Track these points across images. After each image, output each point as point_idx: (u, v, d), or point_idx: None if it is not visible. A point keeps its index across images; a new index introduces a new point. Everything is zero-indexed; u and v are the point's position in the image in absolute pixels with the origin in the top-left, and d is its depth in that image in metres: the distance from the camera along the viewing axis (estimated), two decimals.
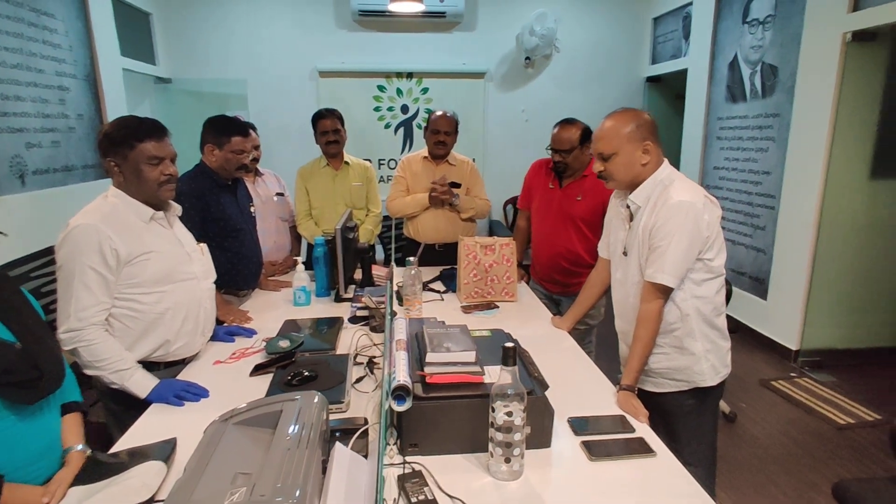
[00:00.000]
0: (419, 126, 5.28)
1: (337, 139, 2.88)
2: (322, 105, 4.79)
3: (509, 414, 1.13)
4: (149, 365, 1.60)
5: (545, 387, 1.33)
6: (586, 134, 2.39)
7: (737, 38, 4.04)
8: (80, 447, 1.21)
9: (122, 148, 1.54)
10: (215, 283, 1.88)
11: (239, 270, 2.27)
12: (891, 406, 2.96)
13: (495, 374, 1.21)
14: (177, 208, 1.74)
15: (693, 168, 4.65)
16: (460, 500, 1.09)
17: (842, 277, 3.42)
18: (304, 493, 0.84)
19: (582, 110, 5.32)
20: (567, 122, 2.40)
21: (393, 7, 3.23)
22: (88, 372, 1.50)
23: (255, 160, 2.77)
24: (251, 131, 2.71)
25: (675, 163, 4.77)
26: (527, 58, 5.18)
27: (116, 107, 4.00)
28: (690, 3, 4.59)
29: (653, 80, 5.37)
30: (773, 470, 2.45)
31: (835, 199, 3.31)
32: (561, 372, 1.66)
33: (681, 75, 4.81)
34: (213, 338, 1.89)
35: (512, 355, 1.14)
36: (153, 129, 1.59)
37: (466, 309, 2.26)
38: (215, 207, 2.15)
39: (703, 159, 4.53)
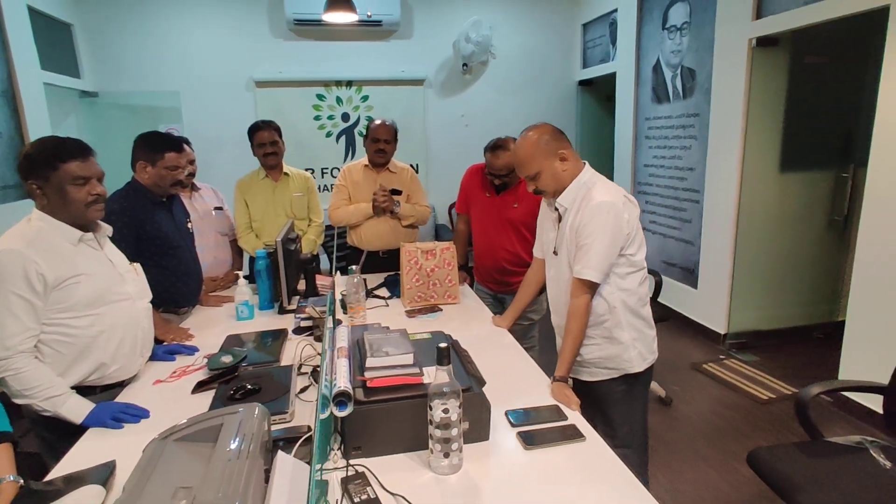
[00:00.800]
0: (361, 134, 5.30)
1: (275, 151, 2.87)
2: (260, 115, 4.75)
3: (446, 411, 1.19)
4: (84, 389, 1.57)
5: (482, 383, 1.40)
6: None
7: (658, 44, 4.29)
8: (11, 478, 1.18)
9: (45, 169, 1.50)
10: (153, 301, 1.85)
11: (178, 288, 2.23)
12: (806, 380, 3.23)
13: (437, 373, 1.28)
14: (107, 229, 1.71)
15: (625, 166, 4.88)
16: (402, 497, 1.14)
17: (760, 264, 3.70)
18: (244, 502, 0.87)
19: (519, 114, 5.51)
20: (499, 148, 2.44)
21: (327, 17, 3.24)
22: (18, 401, 1.46)
23: (191, 175, 2.72)
24: (185, 146, 2.67)
25: (609, 161, 5.06)
26: (464, 64, 5.30)
27: (38, 123, 3.82)
28: (615, 10, 4.83)
29: (585, 84, 5.60)
30: (701, 445, 2.63)
31: (750, 191, 3.57)
32: (500, 368, 1.75)
33: (610, 78, 5.05)
34: (153, 357, 1.86)
35: (446, 355, 1.20)
36: (77, 149, 1.55)
37: (410, 313, 2.32)
38: (150, 225, 2.11)
39: (633, 158, 4.77)
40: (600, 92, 5.59)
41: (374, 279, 2.78)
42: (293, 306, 2.37)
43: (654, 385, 3.09)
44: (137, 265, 1.79)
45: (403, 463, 1.28)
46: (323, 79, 5.10)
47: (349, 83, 5.18)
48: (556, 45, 5.55)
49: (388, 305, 2.46)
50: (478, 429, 1.35)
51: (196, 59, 4.83)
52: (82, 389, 1.56)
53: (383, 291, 2.63)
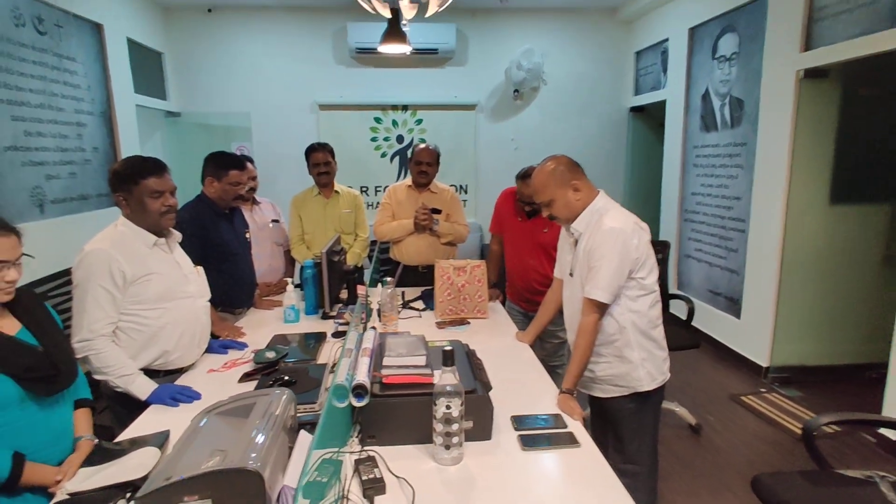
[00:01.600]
0: None
1: (328, 171, 3.14)
2: (321, 136, 5.11)
3: (448, 408, 1.34)
4: (150, 373, 1.82)
5: (488, 388, 1.54)
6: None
7: (708, 73, 4.31)
8: (88, 436, 1.43)
9: (129, 184, 1.79)
10: (212, 301, 2.12)
11: (234, 291, 2.50)
12: None
13: (447, 377, 1.43)
14: (177, 235, 1.98)
15: (673, 193, 4.88)
16: (404, 479, 1.29)
17: (808, 297, 3.61)
18: (265, 462, 1.05)
19: (569, 138, 5.62)
20: (528, 176, 2.58)
21: (382, 49, 3.51)
22: (97, 377, 1.73)
23: (252, 190, 3.03)
24: (248, 164, 2.99)
25: (657, 189, 5.04)
26: (515, 90, 5.48)
27: (129, 140, 4.31)
28: (667, 40, 4.88)
29: (636, 110, 5.64)
30: (728, 475, 2.61)
31: (797, 222, 3.51)
32: (515, 378, 1.88)
33: (661, 105, 5.07)
34: (209, 350, 2.12)
35: (450, 357, 1.36)
36: (155, 167, 1.83)
37: (440, 325, 2.48)
38: (214, 234, 2.40)
39: (681, 185, 4.76)
40: (652, 119, 5.61)
41: (412, 292, 2.96)
42: (334, 312, 2.59)
43: (683, 412, 3.08)
44: (200, 268, 2.06)
45: (411, 452, 1.43)
46: (380, 103, 5.42)
47: (405, 107, 5.47)
48: (608, 72, 5.63)
49: (420, 317, 2.63)
50: (480, 428, 1.49)
51: (266, 83, 5.28)
52: (148, 373, 1.82)
53: (419, 304, 2.81)
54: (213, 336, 2.20)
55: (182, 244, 2.05)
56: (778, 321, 3.62)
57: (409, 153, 5.51)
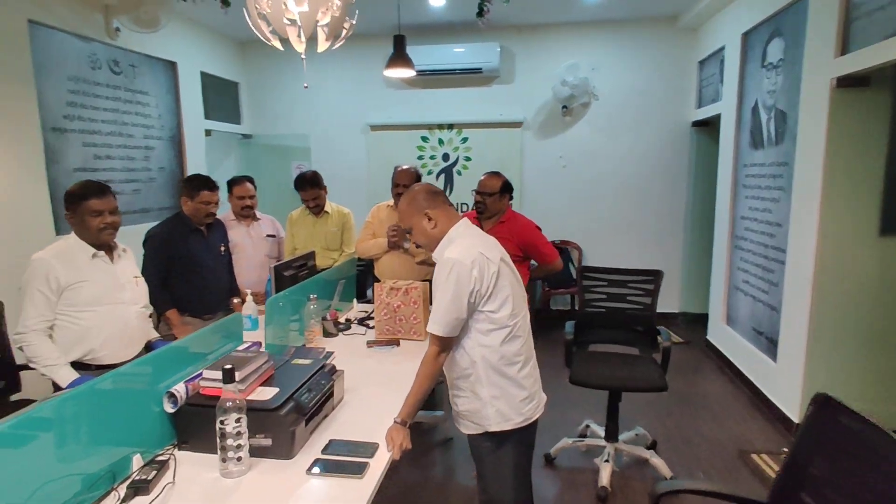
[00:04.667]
0: (458, 173, 5.65)
1: (318, 203, 3.40)
2: (371, 155, 5.44)
3: (222, 423, 1.42)
4: (82, 366, 2.14)
5: (302, 411, 1.60)
6: (506, 186, 2.73)
7: (758, 83, 3.84)
8: None
9: (75, 204, 2.13)
10: (179, 307, 2.51)
11: (200, 299, 2.80)
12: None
13: (265, 393, 1.56)
14: (122, 249, 2.30)
15: (724, 217, 4.40)
16: (171, 483, 1.40)
17: (848, 344, 3.04)
18: None
19: (623, 155, 5.34)
20: (493, 173, 2.83)
21: (387, 73, 3.68)
22: (31, 365, 2.08)
23: (250, 207, 3.33)
24: (248, 184, 3.31)
25: (711, 210, 4.55)
26: (564, 106, 5.32)
27: (196, 160, 4.96)
28: (724, 48, 4.43)
29: (699, 125, 5.15)
30: None
31: (835, 256, 2.99)
32: (377, 399, 1.89)
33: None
34: (152, 349, 2.40)
35: (229, 374, 1.44)
36: (98, 190, 2.15)
37: (370, 344, 2.54)
38: (182, 247, 2.72)
39: (731, 208, 4.27)
40: (716, 133, 5.08)
41: None
42: None
43: (658, 462, 2.77)
44: (141, 279, 2.35)
45: (211, 461, 1.53)
46: (427, 122, 5.59)
47: (450, 126, 5.58)
48: (667, 84, 5.23)
49: (364, 334, 2.71)
50: (281, 447, 1.54)
51: (323, 107, 5.72)
52: (81, 366, 2.14)
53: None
54: (174, 337, 2.50)
55: (146, 255, 2.37)
56: (808, 370, 3.09)
57: (454, 171, 5.63)
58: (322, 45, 1.98)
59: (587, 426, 3.20)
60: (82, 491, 1.32)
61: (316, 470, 1.48)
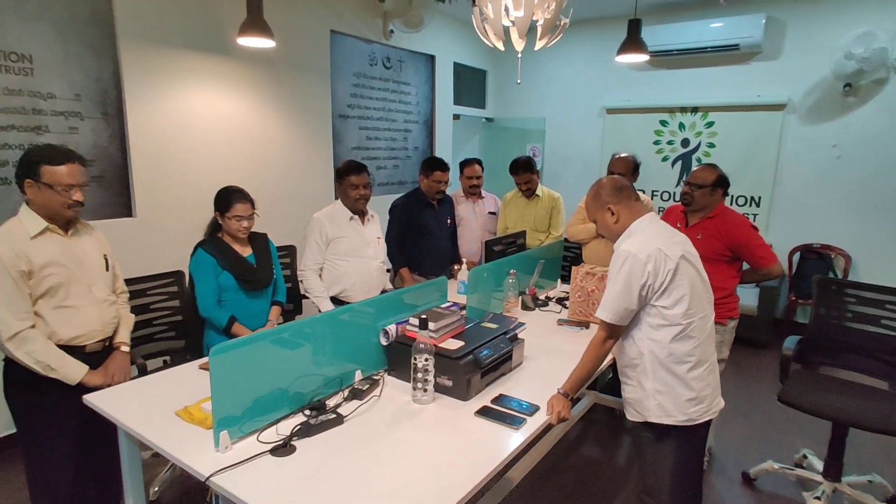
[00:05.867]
0: (699, 160, 5.23)
1: (530, 186, 3.58)
2: (606, 139, 5.51)
3: (416, 360, 1.80)
4: (339, 301, 2.81)
5: (478, 363, 1.88)
6: (721, 180, 2.57)
7: None
8: (272, 321, 2.48)
9: (340, 178, 2.78)
10: (410, 267, 3.12)
11: (428, 261, 3.32)
12: None
13: (453, 344, 1.91)
14: (371, 213, 2.90)
15: None
16: (377, 396, 1.83)
17: None
18: None
19: None
20: (708, 166, 2.69)
21: (619, 59, 3.65)
22: (306, 295, 2.82)
23: (477, 186, 3.73)
24: (476, 165, 3.73)
25: None
26: (846, 84, 4.46)
27: (444, 142, 5.65)
28: None
29: None
30: None
31: None
32: (552, 371, 2.08)
33: None
34: None
35: (425, 325, 1.80)
36: (356, 168, 2.76)
37: (560, 322, 2.71)
38: (416, 217, 3.26)
39: None
40: None
41: None
42: None
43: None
44: (382, 240, 2.94)
45: (407, 388, 1.93)
46: (668, 105, 5.28)
47: (694, 109, 5.17)
48: None
49: (560, 312, 2.88)
50: (458, 389, 1.86)
51: (560, 90, 5.87)
52: (337, 301, 2.81)
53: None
54: None
55: (390, 221, 2.99)
56: None
57: (693, 158, 5.24)
58: (538, 44, 2.16)
59: (804, 456, 2.82)
60: (321, 387, 1.84)
61: (482, 414, 1.76)
